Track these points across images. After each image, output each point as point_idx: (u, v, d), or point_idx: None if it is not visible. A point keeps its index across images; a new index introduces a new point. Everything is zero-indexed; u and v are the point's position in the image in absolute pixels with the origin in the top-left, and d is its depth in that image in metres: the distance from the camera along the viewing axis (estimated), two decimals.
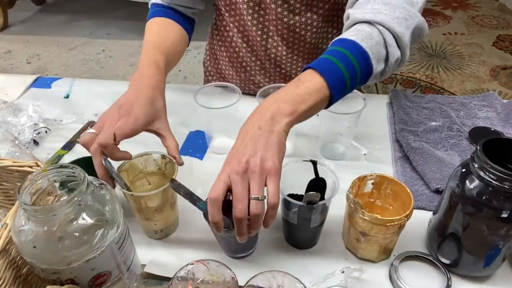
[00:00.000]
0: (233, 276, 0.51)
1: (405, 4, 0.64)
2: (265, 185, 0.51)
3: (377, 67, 0.61)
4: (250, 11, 0.86)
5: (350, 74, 0.58)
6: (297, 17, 0.85)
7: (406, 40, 0.63)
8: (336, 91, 0.58)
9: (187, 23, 0.88)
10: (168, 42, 0.80)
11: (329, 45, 0.63)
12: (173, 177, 0.60)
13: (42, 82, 1.05)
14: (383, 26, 0.62)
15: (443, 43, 2.72)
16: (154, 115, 0.65)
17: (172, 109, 0.95)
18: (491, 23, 2.96)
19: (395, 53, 0.62)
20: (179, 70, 2.49)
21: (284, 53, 0.90)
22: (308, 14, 0.84)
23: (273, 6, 0.83)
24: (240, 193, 0.50)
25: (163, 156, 0.65)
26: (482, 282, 0.59)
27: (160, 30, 0.82)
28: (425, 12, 3.36)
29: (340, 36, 0.63)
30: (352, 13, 0.65)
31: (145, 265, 0.61)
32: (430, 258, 0.61)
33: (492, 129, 0.83)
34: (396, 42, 0.63)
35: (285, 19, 0.85)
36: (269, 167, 0.51)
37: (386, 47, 0.62)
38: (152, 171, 0.67)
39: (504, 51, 2.63)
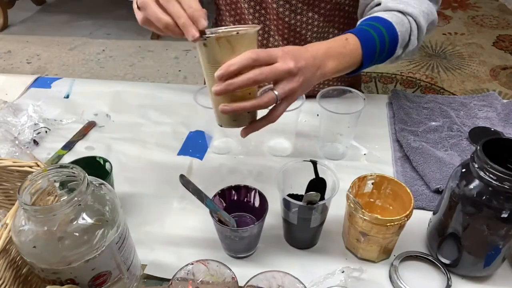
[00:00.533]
0: (233, 276, 0.51)
1: (428, 0, 0.73)
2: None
3: (398, 51, 0.71)
4: (251, 10, 0.86)
5: (380, 51, 0.68)
6: (298, 17, 0.85)
7: (424, 32, 0.72)
8: (365, 65, 0.67)
9: None
10: None
11: (365, 18, 0.71)
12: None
13: (42, 82, 1.05)
14: (411, 17, 0.70)
15: (443, 43, 2.72)
16: None
17: (172, 109, 0.95)
18: (491, 23, 2.96)
19: (414, 42, 0.71)
20: (179, 70, 2.49)
21: None
22: (310, 14, 0.85)
23: (274, 5, 0.83)
24: (274, 71, 0.54)
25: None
26: (482, 282, 0.59)
27: None
28: None
29: (377, 15, 0.70)
30: (384, 1, 0.72)
31: (146, 265, 0.61)
32: (430, 258, 0.61)
33: (492, 129, 0.83)
34: (418, 33, 0.71)
35: (286, 19, 0.85)
36: (294, 95, 0.57)
37: (410, 35, 0.71)
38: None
39: (504, 51, 2.63)
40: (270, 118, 0.58)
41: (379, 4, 0.74)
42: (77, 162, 0.69)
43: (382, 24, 0.68)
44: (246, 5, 0.86)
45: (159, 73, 2.48)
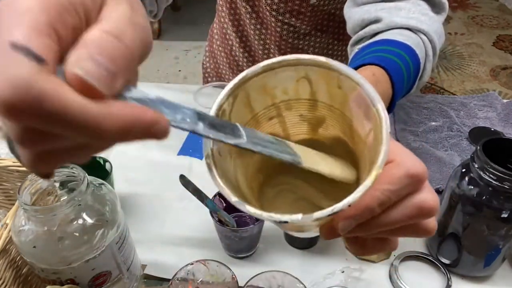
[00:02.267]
0: (233, 276, 0.51)
1: (437, 17, 0.60)
2: None
3: (413, 84, 0.55)
4: (252, 27, 0.86)
5: (407, 74, 0.52)
6: (301, 36, 0.84)
7: (437, 55, 0.57)
8: (398, 85, 0.50)
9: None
10: None
11: (374, 42, 0.55)
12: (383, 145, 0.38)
13: None
14: (426, 36, 0.55)
15: (443, 43, 2.72)
16: None
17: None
18: (491, 23, 2.96)
19: (429, 69, 0.56)
20: (179, 70, 2.49)
21: None
22: (313, 32, 0.84)
23: (278, 29, 0.83)
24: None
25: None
26: (482, 282, 0.59)
27: None
28: None
29: (391, 37, 0.54)
30: (386, 16, 0.57)
31: (146, 265, 0.61)
32: (430, 258, 0.61)
33: (492, 129, 0.83)
34: (433, 58, 0.57)
35: (290, 40, 0.84)
36: None
37: (425, 61, 0.55)
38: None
39: (504, 51, 2.63)
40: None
41: (378, 21, 0.58)
42: None
43: (404, 50, 0.51)
44: (248, 21, 0.85)
45: (159, 73, 2.48)
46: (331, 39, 0.85)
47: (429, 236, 0.29)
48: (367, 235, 0.29)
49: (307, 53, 0.86)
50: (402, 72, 0.50)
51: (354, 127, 0.28)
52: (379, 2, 0.60)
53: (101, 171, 0.67)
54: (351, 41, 0.64)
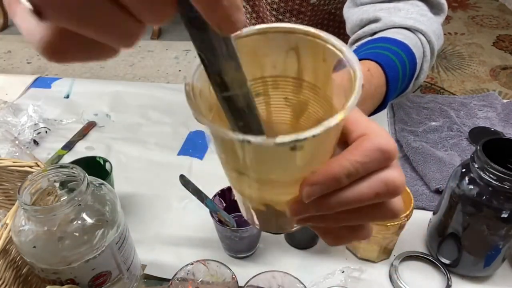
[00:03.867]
0: (233, 276, 0.51)
1: (436, 18, 0.59)
2: None
3: (410, 85, 0.56)
4: (248, 22, 0.86)
5: (402, 74, 0.52)
6: None
7: (434, 60, 0.57)
8: (392, 84, 0.51)
9: None
10: None
11: (371, 40, 0.55)
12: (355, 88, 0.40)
13: (42, 82, 1.05)
14: (424, 36, 0.55)
15: (443, 43, 2.72)
16: None
17: (172, 109, 0.95)
18: (491, 23, 2.96)
19: (426, 70, 0.56)
20: (179, 70, 2.49)
21: None
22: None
23: (273, 19, 0.83)
24: None
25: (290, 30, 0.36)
26: (482, 282, 0.59)
27: None
28: None
29: (389, 36, 0.54)
30: (385, 16, 0.57)
31: (146, 265, 0.61)
32: (430, 258, 0.61)
33: (492, 129, 0.83)
34: (430, 58, 0.57)
35: None
36: None
37: (422, 61, 0.56)
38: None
39: (504, 51, 2.63)
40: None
41: (376, 21, 0.58)
42: (77, 162, 0.69)
43: (401, 48, 0.51)
44: (247, 22, 0.85)
45: (159, 73, 2.48)
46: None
47: (395, 218, 0.28)
48: (334, 218, 0.27)
49: None
50: (397, 70, 0.50)
51: (335, 106, 0.27)
52: (378, 2, 0.60)
53: (101, 171, 0.67)
54: (350, 40, 0.64)
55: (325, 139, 0.24)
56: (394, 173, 0.26)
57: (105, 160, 0.68)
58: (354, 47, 0.60)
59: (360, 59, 0.45)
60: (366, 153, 0.25)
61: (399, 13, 0.57)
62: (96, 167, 0.67)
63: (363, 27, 0.61)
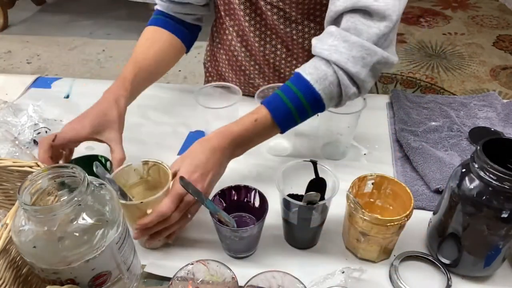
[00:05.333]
0: (233, 276, 0.51)
1: (364, 41, 0.62)
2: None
3: (330, 104, 0.66)
4: (247, 17, 0.86)
5: (298, 112, 0.65)
6: (293, 25, 0.84)
7: (362, 77, 0.63)
8: (285, 130, 0.67)
9: (186, 30, 0.87)
10: (150, 54, 0.81)
11: (292, 77, 0.67)
12: (169, 179, 0.60)
13: (42, 82, 1.05)
14: (337, 65, 0.63)
15: (443, 43, 2.72)
16: (103, 126, 0.69)
17: (172, 109, 0.95)
18: (491, 23, 2.96)
19: (349, 90, 0.64)
20: (179, 70, 2.49)
21: (282, 57, 0.90)
22: (305, 22, 0.84)
23: (269, 13, 0.83)
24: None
25: (145, 162, 0.65)
26: (482, 282, 0.59)
27: (147, 42, 0.84)
28: (425, 12, 3.34)
29: (299, 70, 0.65)
30: (314, 44, 0.66)
31: (145, 265, 0.61)
32: (430, 258, 0.61)
33: (492, 129, 0.83)
34: (352, 80, 0.64)
35: (281, 26, 0.84)
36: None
37: (339, 86, 0.64)
38: (134, 183, 0.66)
39: (504, 51, 2.63)
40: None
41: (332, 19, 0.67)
42: (77, 160, 0.69)
43: (297, 84, 0.64)
44: (241, 13, 0.85)
45: None
46: (322, 29, 0.86)
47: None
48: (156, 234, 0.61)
49: (298, 41, 0.87)
50: (287, 107, 0.64)
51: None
52: (328, 20, 0.68)
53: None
54: None
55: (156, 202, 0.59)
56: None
57: (106, 159, 0.68)
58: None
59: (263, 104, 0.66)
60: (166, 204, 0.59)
61: (327, 41, 0.64)
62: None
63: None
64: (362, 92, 0.67)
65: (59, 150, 0.69)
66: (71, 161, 0.70)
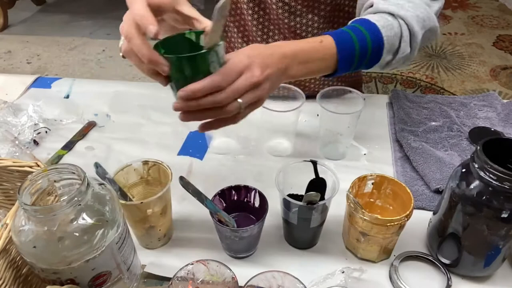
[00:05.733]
0: (233, 276, 0.51)
1: (425, 5, 0.67)
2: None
3: (386, 57, 0.66)
4: (250, 11, 0.86)
5: (361, 53, 0.63)
6: (298, 19, 0.85)
7: (418, 39, 0.66)
8: (341, 70, 0.64)
9: None
10: None
11: (351, 21, 0.67)
12: (169, 179, 0.60)
13: (42, 82, 1.05)
14: (404, 20, 0.65)
15: (443, 43, 2.72)
16: (178, 1, 0.56)
17: (172, 109, 0.95)
18: (491, 23, 2.96)
19: (405, 48, 0.66)
20: None
21: None
22: (309, 16, 0.84)
23: (274, 7, 0.83)
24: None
25: (145, 162, 0.64)
26: (482, 282, 0.59)
27: None
28: None
29: (364, 17, 0.66)
30: (376, 2, 0.68)
31: (145, 265, 0.61)
32: (430, 258, 0.61)
33: (492, 129, 0.83)
34: (410, 39, 0.66)
35: (286, 20, 0.85)
36: (259, 102, 0.57)
37: (400, 41, 0.65)
38: (134, 183, 0.65)
39: (504, 51, 2.63)
40: (232, 120, 0.56)
41: (372, 6, 0.70)
42: (165, 41, 0.56)
43: (366, 26, 0.64)
44: (245, 6, 0.86)
45: None
46: (326, 22, 0.87)
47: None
48: (200, 113, 0.53)
49: (302, 35, 0.87)
50: (352, 44, 0.62)
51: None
52: None
53: (194, 46, 0.55)
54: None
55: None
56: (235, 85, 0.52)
57: (198, 32, 0.56)
58: None
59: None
60: (222, 74, 0.51)
61: (390, 0, 0.67)
62: (188, 44, 0.56)
63: (363, 11, 0.72)
64: (411, 57, 0.68)
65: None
66: (159, 43, 0.55)
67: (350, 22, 0.67)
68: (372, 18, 0.65)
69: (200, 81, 0.50)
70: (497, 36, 2.79)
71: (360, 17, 0.67)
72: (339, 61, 0.63)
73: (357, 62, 0.64)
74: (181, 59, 0.50)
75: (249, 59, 0.53)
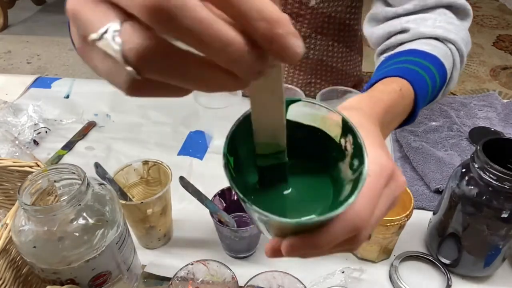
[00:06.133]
0: (233, 276, 0.51)
1: (462, 25, 0.58)
2: None
3: (438, 95, 0.56)
4: None
5: (432, 84, 0.52)
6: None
7: (463, 67, 0.58)
8: (421, 99, 0.50)
9: None
10: None
11: (399, 52, 0.55)
12: (169, 179, 0.60)
13: (42, 82, 1.05)
14: (454, 45, 0.56)
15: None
16: None
17: (172, 109, 0.95)
18: (491, 23, 2.96)
19: (455, 78, 0.56)
20: None
21: (285, 66, 0.89)
22: (313, 35, 0.83)
23: None
24: None
25: (145, 162, 0.64)
26: (482, 282, 0.59)
27: None
28: None
29: (417, 48, 0.54)
30: (413, 27, 0.58)
31: (145, 265, 0.61)
32: (430, 258, 0.61)
33: (492, 129, 0.83)
34: (460, 66, 0.58)
35: None
36: None
37: (452, 70, 0.56)
38: (134, 183, 0.65)
39: (504, 51, 2.63)
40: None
41: (404, 31, 0.59)
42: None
43: (430, 61, 0.52)
44: None
45: None
46: (331, 41, 0.85)
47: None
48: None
49: (308, 56, 0.86)
50: (427, 86, 0.50)
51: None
52: (404, 15, 0.60)
53: None
54: (377, 51, 0.64)
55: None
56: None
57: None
58: (382, 58, 0.60)
59: (390, 76, 0.49)
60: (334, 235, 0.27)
61: (426, 23, 0.57)
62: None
63: (390, 38, 0.62)
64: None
65: None
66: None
67: (396, 54, 0.55)
68: (425, 48, 0.54)
69: (328, 231, 0.27)
70: (497, 36, 2.80)
71: (406, 49, 0.55)
72: (417, 99, 0.49)
73: (431, 91, 0.53)
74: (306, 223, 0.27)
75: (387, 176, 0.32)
